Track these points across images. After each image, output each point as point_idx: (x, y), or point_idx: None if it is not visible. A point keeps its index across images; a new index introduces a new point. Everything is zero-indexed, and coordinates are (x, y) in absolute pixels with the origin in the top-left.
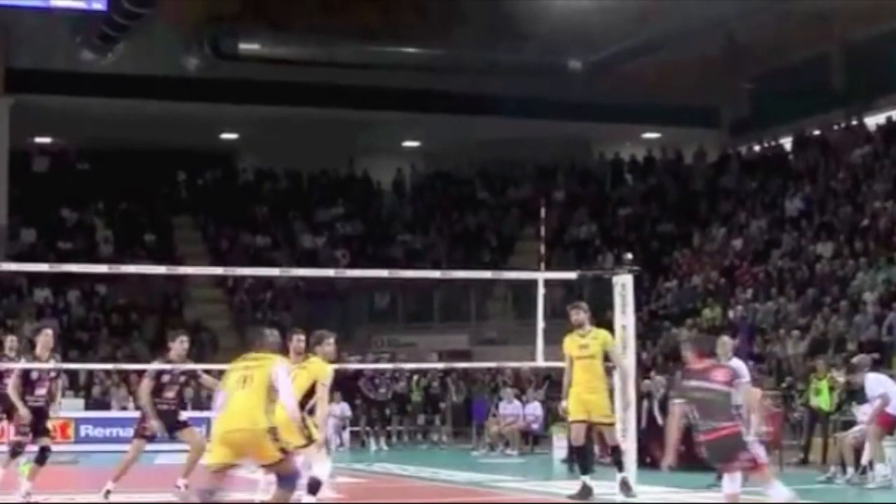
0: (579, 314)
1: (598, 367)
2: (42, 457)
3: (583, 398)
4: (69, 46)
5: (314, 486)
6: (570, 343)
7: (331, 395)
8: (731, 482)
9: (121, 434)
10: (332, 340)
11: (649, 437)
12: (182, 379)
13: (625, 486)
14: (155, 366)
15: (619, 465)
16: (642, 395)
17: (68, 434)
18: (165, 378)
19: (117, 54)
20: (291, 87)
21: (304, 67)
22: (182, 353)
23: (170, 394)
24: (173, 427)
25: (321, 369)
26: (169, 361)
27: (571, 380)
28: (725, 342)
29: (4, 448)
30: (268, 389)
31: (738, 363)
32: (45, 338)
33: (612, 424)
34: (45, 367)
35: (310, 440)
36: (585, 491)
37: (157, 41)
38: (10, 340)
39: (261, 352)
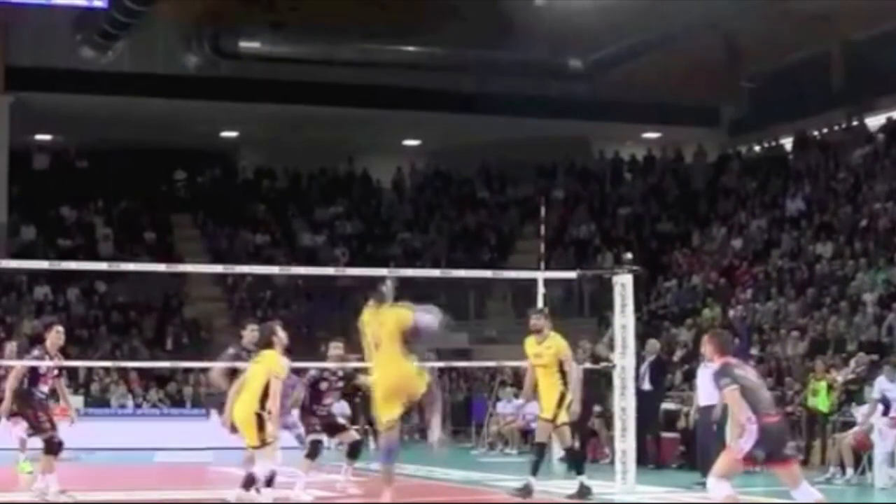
0: (539, 320)
1: (552, 374)
2: (54, 448)
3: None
4: (69, 44)
5: (248, 482)
6: (529, 347)
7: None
8: (720, 485)
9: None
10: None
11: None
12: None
13: (524, 491)
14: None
15: (534, 465)
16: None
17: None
18: (323, 385)
19: (118, 52)
20: (291, 85)
21: (304, 66)
22: (253, 340)
23: (328, 400)
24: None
25: (272, 360)
26: (244, 349)
27: (535, 382)
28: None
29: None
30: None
31: None
32: (57, 335)
33: (547, 420)
34: (52, 364)
35: (264, 443)
36: (584, 490)
37: (158, 39)
38: (10, 347)
39: (378, 305)
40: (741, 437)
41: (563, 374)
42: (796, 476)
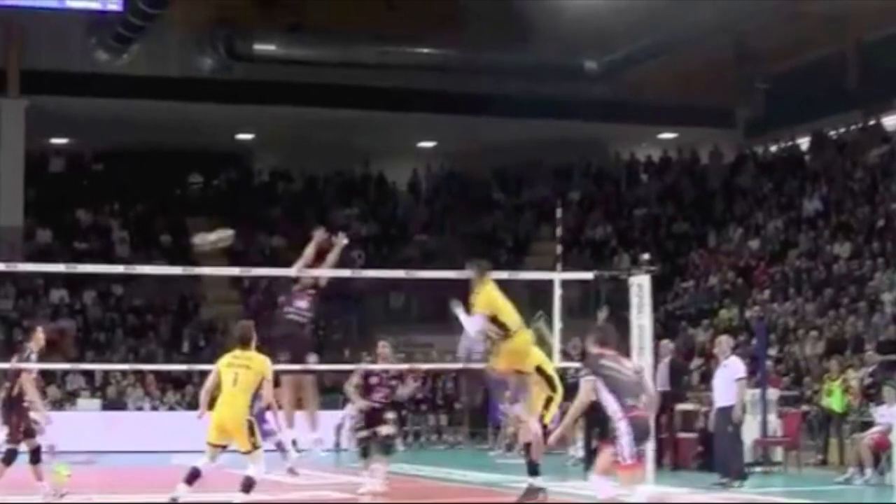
0: None
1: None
2: (36, 457)
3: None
4: (84, 48)
5: (248, 485)
6: None
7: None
8: (603, 483)
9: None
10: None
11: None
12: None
13: (530, 493)
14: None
15: (528, 466)
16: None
17: None
18: (373, 380)
19: (132, 55)
20: (306, 87)
21: (320, 68)
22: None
23: (378, 395)
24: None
25: (264, 365)
26: (373, 362)
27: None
28: (722, 341)
29: None
30: None
31: (735, 361)
32: (39, 335)
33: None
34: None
35: (255, 447)
36: (531, 492)
37: (172, 42)
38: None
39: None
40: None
41: (549, 379)
42: (629, 481)
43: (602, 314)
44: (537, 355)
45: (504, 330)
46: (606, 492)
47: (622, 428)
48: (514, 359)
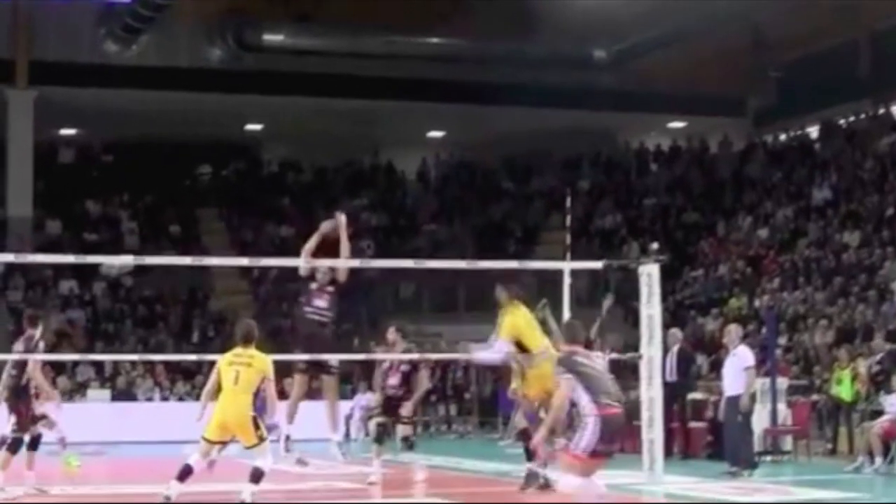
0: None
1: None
2: (35, 444)
3: None
4: (93, 38)
5: (257, 476)
6: None
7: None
8: (568, 479)
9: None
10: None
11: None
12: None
13: (531, 478)
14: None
15: (526, 452)
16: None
17: None
18: (385, 365)
19: (141, 46)
20: (316, 78)
21: (329, 58)
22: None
23: (392, 381)
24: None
25: (265, 363)
26: (386, 350)
27: None
28: (731, 330)
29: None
30: None
31: (744, 350)
32: (41, 327)
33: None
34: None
35: (261, 439)
36: (531, 478)
37: (181, 33)
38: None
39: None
40: (573, 429)
41: None
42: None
43: (607, 302)
44: None
45: (528, 354)
46: (573, 483)
47: (589, 424)
48: (545, 382)
